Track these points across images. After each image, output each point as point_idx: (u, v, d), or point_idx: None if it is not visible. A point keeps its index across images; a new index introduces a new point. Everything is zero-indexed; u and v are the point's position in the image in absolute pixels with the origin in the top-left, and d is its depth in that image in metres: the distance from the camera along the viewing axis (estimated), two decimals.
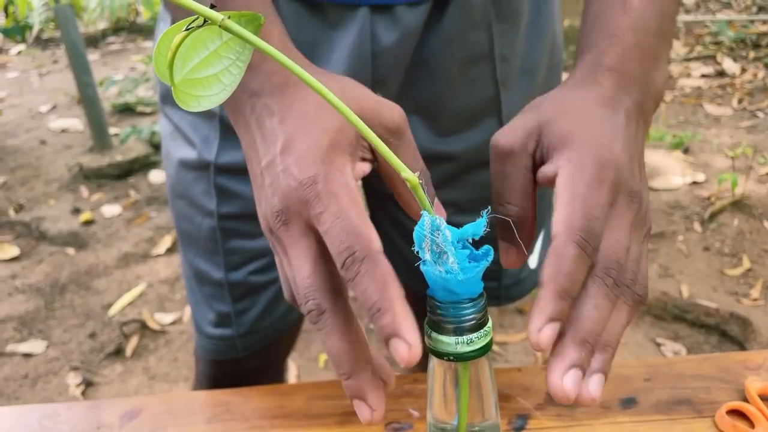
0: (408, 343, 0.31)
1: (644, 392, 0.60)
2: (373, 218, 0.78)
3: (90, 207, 2.65)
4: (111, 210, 2.61)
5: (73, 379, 1.75)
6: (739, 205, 2.27)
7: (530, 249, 0.43)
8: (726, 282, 1.93)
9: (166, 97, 0.69)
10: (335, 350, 0.35)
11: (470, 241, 0.31)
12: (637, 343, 1.72)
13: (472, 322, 0.31)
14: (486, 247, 0.31)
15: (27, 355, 1.86)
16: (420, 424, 0.58)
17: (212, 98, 0.28)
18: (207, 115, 0.65)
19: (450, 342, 0.31)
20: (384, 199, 0.75)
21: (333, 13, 0.58)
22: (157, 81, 0.71)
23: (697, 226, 2.19)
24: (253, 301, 0.73)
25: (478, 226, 0.31)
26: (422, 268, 0.31)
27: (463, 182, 0.70)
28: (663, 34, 0.47)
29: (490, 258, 0.31)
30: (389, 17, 0.58)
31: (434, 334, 0.32)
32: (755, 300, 1.83)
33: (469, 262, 0.30)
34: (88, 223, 2.53)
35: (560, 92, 0.45)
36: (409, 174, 0.28)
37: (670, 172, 2.53)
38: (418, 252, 0.30)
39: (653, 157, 2.66)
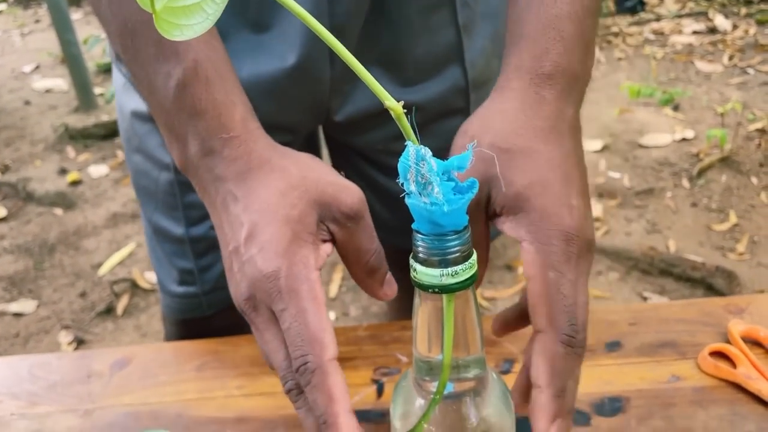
0: None
1: (629, 336, 0.61)
2: (338, 171, 0.77)
3: (77, 167, 2.62)
4: (98, 170, 2.59)
5: (65, 338, 1.75)
6: (727, 161, 2.28)
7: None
8: (713, 237, 1.94)
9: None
10: (313, 427, 0.37)
11: (455, 174, 0.31)
12: (624, 298, 1.74)
13: (457, 254, 0.31)
14: (471, 179, 0.31)
15: (18, 315, 1.86)
16: (408, 368, 0.59)
17: (195, 27, 0.28)
18: None
19: (435, 274, 0.31)
20: (346, 151, 0.74)
21: None
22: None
23: (685, 183, 2.20)
24: (216, 257, 0.71)
25: (464, 158, 0.31)
26: (407, 200, 0.31)
27: (429, 132, 0.69)
28: (595, 12, 0.45)
29: (475, 190, 0.31)
30: None
31: (419, 267, 0.32)
32: (741, 254, 1.85)
33: (454, 194, 0.30)
34: (75, 183, 2.51)
35: (503, 123, 0.41)
36: (393, 102, 0.27)
37: (659, 129, 2.53)
38: (402, 184, 0.30)
39: (643, 114, 2.65)
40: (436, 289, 0.32)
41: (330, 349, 0.36)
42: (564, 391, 0.36)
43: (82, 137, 2.85)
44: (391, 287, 0.45)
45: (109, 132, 2.84)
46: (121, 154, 2.69)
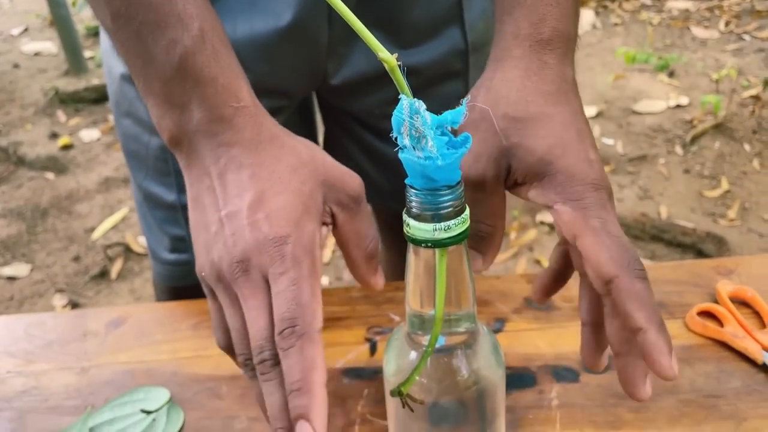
0: (314, 430, 0.33)
1: None
2: (332, 136, 0.77)
3: (68, 131, 2.60)
4: (89, 134, 2.57)
5: (59, 301, 1.76)
6: (720, 128, 2.28)
7: (494, 258, 0.45)
8: (704, 203, 1.96)
9: None
10: (280, 403, 0.35)
11: (449, 129, 0.31)
12: None
13: (450, 209, 0.31)
14: (465, 134, 0.31)
15: (11, 278, 1.87)
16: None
17: None
18: None
19: (428, 229, 0.31)
20: (341, 116, 0.73)
21: None
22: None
23: (678, 149, 2.21)
24: None
25: (458, 113, 0.31)
26: (400, 155, 0.31)
27: (428, 95, 0.69)
28: None
29: (469, 145, 0.31)
30: None
31: (412, 222, 0.32)
32: (732, 220, 1.87)
33: (448, 149, 0.30)
34: (66, 147, 2.49)
35: (510, 92, 0.42)
36: (386, 54, 0.27)
37: (654, 95, 2.52)
38: (396, 138, 0.30)
39: (638, 80, 2.64)
40: (429, 244, 0.32)
41: (319, 321, 0.36)
42: (662, 320, 0.36)
43: (72, 101, 2.82)
44: (382, 278, 0.46)
45: (100, 96, 2.81)
46: (112, 119, 2.67)
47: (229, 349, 0.40)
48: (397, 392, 0.35)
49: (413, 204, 0.32)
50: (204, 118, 0.41)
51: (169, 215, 0.71)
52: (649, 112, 2.42)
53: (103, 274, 1.86)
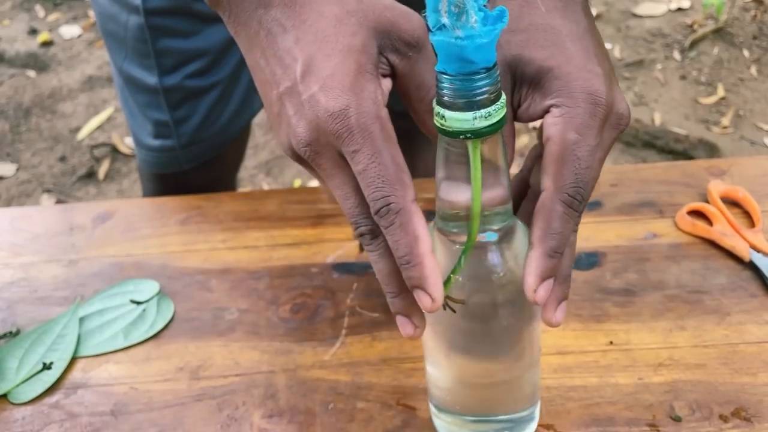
0: (431, 297, 0.33)
1: (610, 196, 0.62)
2: None
3: (47, 27, 2.50)
4: (70, 31, 2.47)
5: (48, 201, 1.75)
6: (721, 33, 2.22)
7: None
8: (699, 110, 1.93)
9: None
10: (387, 270, 0.35)
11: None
12: (604, 169, 1.75)
13: (488, 95, 0.29)
14: (500, 7, 0.29)
15: None
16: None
17: None
18: None
19: (467, 118, 0.29)
20: None
21: None
22: None
23: (676, 55, 2.16)
24: (192, 108, 0.69)
25: None
26: (432, 38, 0.29)
27: None
28: None
29: (506, 20, 0.28)
30: None
31: (448, 113, 0.30)
32: (725, 128, 1.86)
33: (484, 26, 0.28)
34: (46, 44, 2.40)
35: (515, 4, 0.39)
36: None
37: None
38: (428, 18, 0.28)
39: None
40: (468, 135, 0.30)
41: (411, 190, 0.34)
42: (557, 252, 0.35)
43: None
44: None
45: None
46: (93, 15, 2.56)
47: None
48: None
49: (446, 93, 0.29)
50: None
51: (151, 99, 0.68)
52: (650, 15, 2.35)
53: (91, 175, 1.84)
